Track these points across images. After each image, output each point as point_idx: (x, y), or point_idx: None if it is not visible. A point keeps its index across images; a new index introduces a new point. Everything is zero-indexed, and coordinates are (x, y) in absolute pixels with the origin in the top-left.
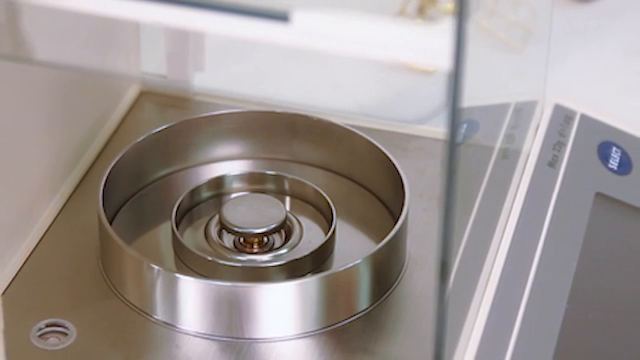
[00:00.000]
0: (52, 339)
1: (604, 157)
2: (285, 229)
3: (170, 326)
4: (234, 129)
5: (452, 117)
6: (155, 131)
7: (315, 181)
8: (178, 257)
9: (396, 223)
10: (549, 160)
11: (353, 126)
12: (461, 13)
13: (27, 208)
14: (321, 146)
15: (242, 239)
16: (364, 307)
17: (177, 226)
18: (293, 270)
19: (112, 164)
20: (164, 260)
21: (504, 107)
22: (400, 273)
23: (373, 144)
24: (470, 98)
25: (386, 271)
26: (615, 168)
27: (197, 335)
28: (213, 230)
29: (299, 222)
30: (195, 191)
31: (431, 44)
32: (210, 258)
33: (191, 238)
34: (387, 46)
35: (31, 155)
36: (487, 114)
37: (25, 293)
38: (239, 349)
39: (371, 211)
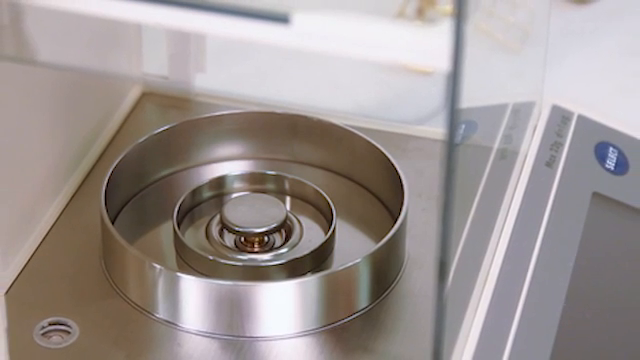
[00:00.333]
0: (55, 337)
1: (601, 157)
2: (285, 229)
3: (172, 324)
4: (235, 130)
5: (451, 118)
6: (157, 132)
7: (315, 181)
8: (180, 256)
9: (395, 223)
10: (547, 160)
11: (353, 126)
12: (460, 15)
13: (30, 208)
14: (321, 146)
15: (243, 238)
16: (364, 306)
17: (179, 226)
18: (293, 269)
19: (114, 164)
20: (166, 259)
21: (502, 108)
22: (399, 272)
23: (373, 144)
24: (468, 99)
25: (385, 270)
26: (612, 168)
27: (198, 333)
28: (214, 229)
29: (299, 222)
30: (196, 191)
31: (430, 45)
32: (211, 257)
33: (192, 237)
34: (386, 47)
35: (34, 155)
36: (485, 115)
37: (28, 292)
38: (240, 347)
39: (370, 211)
